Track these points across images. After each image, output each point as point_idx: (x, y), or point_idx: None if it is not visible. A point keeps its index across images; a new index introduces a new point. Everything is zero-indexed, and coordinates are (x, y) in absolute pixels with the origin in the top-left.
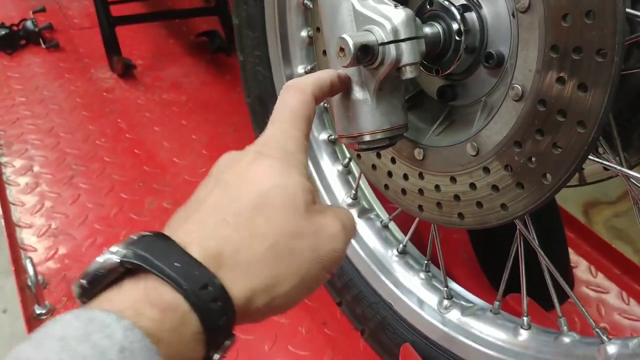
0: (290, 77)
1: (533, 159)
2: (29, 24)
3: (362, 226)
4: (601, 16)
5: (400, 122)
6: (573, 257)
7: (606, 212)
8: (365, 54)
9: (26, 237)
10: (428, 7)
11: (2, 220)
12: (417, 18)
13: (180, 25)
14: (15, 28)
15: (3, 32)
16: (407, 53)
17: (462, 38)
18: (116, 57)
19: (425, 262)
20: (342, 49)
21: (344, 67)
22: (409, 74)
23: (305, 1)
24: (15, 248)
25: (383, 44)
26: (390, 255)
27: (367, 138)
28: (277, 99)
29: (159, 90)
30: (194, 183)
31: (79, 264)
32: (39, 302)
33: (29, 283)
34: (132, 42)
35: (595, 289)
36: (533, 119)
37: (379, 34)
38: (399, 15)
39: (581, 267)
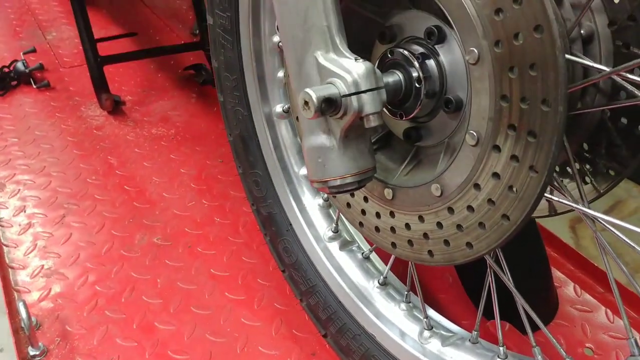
0: (268, 116)
1: (492, 200)
2: (19, 65)
3: (344, 258)
4: (543, 68)
5: (368, 166)
6: (557, 275)
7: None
8: (329, 106)
9: (20, 278)
10: (389, 56)
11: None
12: (377, 70)
13: (168, 59)
14: (6, 69)
15: None
16: (369, 103)
17: (422, 84)
18: (105, 95)
19: (406, 292)
20: (306, 102)
21: (309, 118)
22: (372, 122)
23: (280, 44)
24: (9, 290)
25: (345, 95)
26: (372, 287)
27: (337, 182)
28: (257, 137)
29: (147, 125)
30: (183, 217)
31: (72, 304)
32: (32, 344)
33: (22, 325)
34: (121, 78)
35: (580, 309)
36: (489, 163)
37: (341, 87)
38: (359, 68)
39: (566, 287)
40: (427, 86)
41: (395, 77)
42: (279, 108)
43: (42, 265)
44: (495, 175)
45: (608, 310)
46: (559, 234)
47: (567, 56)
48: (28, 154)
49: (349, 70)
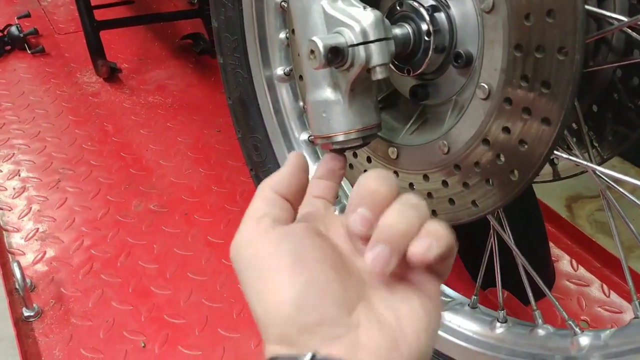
0: (269, 79)
1: (501, 156)
2: (13, 29)
3: None
4: (561, 15)
5: (373, 122)
6: (554, 250)
7: (589, 206)
8: (335, 55)
9: (14, 240)
10: (398, 8)
11: None
12: (386, 19)
13: (165, 28)
14: None
15: None
16: (377, 54)
17: (432, 38)
18: (101, 61)
19: None
20: (312, 52)
21: (314, 68)
22: (379, 74)
23: (283, 3)
24: (3, 252)
25: (352, 45)
26: None
27: (341, 138)
28: (257, 100)
29: (144, 94)
30: (180, 185)
31: (66, 267)
32: (26, 305)
33: (17, 286)
34: (118, 46)
35: (576, 282)
36: (499, 117)
37: (349, 36)
38: (368, 17)
39: (562, 261)
40: (437, 40)
41: (404, 29)
42: (280, 71)
43: (37, 229)
44: (506, 129)
45: (604, 285)
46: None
47: (586, 6)
48: (22, 118)
49: (357, 19)
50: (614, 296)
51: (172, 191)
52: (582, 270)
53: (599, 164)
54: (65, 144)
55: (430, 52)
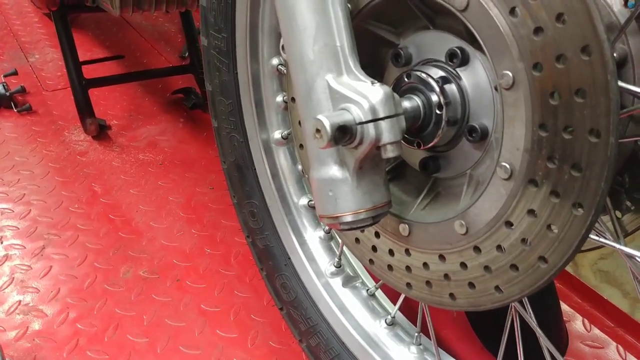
0: (266, 143)
1: (527, 240)
2: (0, 87)
3: (347, 296)
4: (593, 94)
5: (384, 200)
6: (565, 309)
7: (592, 255)
8: (343, 134)
9: None
10: (406, 79)
11: None
12: (395, 94)
13: (156, 82)
14: None
15: None
16: (387, 132)
17: (444, 111)
18: (89, 119)
19: (416, 334)
20: (318, 130)
21: (321, 148)
22: (390, 152)
23: (280, 67)
24: None
25: (361, 123)
26: (379, 327)
27: (349, 218)
28: (254, 165)
29: (134, 151)
30: (171, 248)
31: (50, 343)
32: None
33: None
34: (107, 102)
35: (590, 344)
36: (524, 198)
37: (357, 113)
38: (377, 93)
39: (575, 321)
40: (449, 113)
41: (413, 102)
42: (277, 134)
43: (20, 301)
44: (531, 212)
45: (619, 346)
46: None
47: (620, 83)
48: (6, 180)
49: (365, 95)
50: (630, 358)
51: (163, 255)
52: (595, 331)
53: (625, 236)
54: (51, 207)
55: (442, 126)
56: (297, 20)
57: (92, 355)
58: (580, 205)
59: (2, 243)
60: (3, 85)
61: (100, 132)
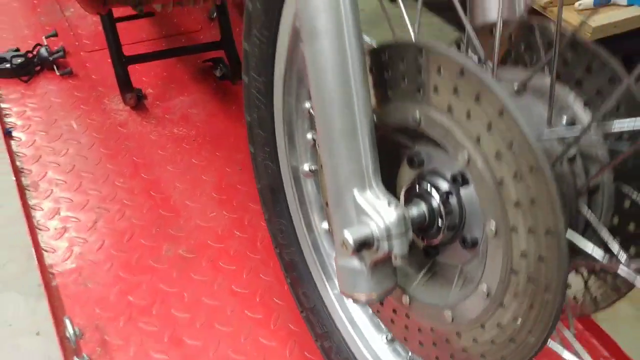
0: (295, 172)
1: (495, 342)
2: (42, 51)
3: (357, 311)
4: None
5: (391, 285)
6: None
7: None
8: (363, 245)
9: (59, 283)
10: (417, 186)
11: (39, 270)
12: (406, 215)
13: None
14: (30, 55)
15: (20, 61)
16: (397, 247)
17: (444, 219)
18: (129, 94)
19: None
20: (344, 242)
21: (346, 256)
22: (399, 261)
23: (311, 110)
24: (54, 302)
25: (377, 238)
26: (380, 342)
27: (363, 299)
28: (284, 190)
29: (169, 124)
30: (205, 228)
31: (109, 313)
32: (77, 354)
33: (67, 335)
34: (142, 67)
35: None
36: (495, 314)
37: (375, 229)
38: (391, 215)
39: None
40: (448, 221)
41: (420, 209)
42: (306, 167)
43: (79, 274)
44: (499, 325)
45: None
46: None
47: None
48: (57, 150)
49: (382, 215)
50: None
51: (198, 235)
52: None
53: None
54: (99, 180)
55: (442, 230)
56: (333, 149)
57: (143, 327)
58: (532, 334)
59: (59, 214)
60: (46, 49)
61: (137, 102)
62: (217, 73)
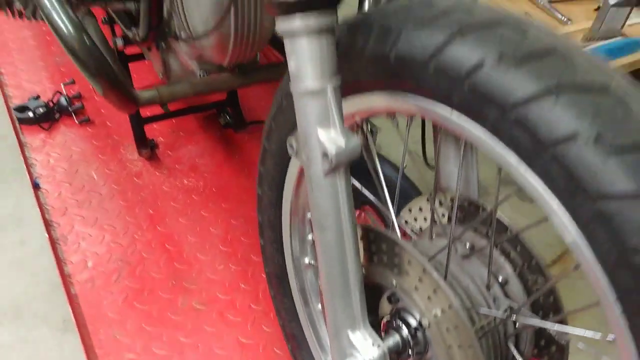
0: (297, 264)
1: None
2: (62, 100)
3: None
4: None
5: None
6: None
7: None
8: None
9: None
10: (393, 321)
11: (75, 322)
12: (385, 352)
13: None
14: (50, 104)
15: (42, 111)
16: None
17: (412, 349)
18: (144, 149)
19: None
20: None
21: None
22: None
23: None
24: (90, 349)
25: None
26: None
27: None
28: (287, 277)
29: (180, 175)
30: (214, 281)
31: None
32: None
33: None
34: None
35: None
36: None
37: None
38: (375, 353)
39: None
40: (417, 348)
41: (395, 340)
42: (307, 260)
43: (109, 329)
44: None
45: None
46: None
47: None
48: (80, 202)
49: (368, 352)
50: None
51: (208, 288)
52: None
53: None
54: (119, 233)
55: (412, 355)
56: (333, 293)
57: None
58: None
59: (87, 267)
60: (66, 99)
61: (151, 154)
62: (221, 121)
